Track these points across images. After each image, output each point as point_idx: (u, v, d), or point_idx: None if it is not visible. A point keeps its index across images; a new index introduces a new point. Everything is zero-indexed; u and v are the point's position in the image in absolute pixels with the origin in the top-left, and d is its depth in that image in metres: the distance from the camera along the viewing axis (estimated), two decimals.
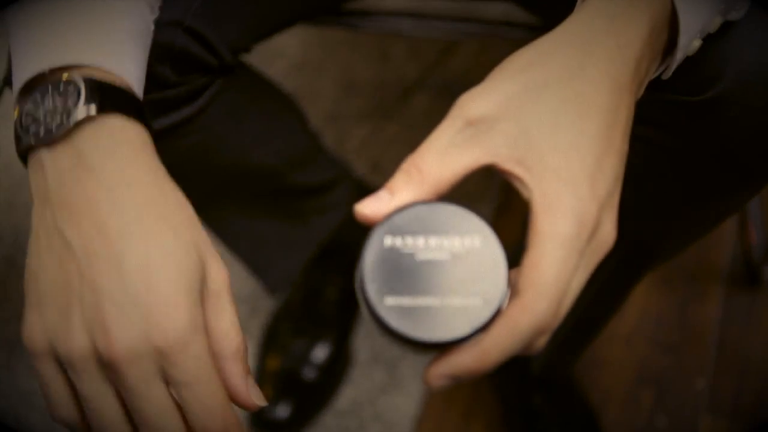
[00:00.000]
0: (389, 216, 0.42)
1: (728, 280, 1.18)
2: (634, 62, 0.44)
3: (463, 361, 0.41)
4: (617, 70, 0.44)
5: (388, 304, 0.41)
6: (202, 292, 0.44)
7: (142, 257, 0.42)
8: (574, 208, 0.40)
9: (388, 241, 0.41)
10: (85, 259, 0.43)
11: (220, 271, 0.46)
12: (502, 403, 1.10)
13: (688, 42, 0.49)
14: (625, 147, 0.44)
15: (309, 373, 1.11)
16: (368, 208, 0.43)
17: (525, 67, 0.43)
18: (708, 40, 0.52)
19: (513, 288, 0.41)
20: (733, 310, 1.16)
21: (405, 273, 0.41)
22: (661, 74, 0.51)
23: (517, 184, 0.42)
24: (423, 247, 0.41)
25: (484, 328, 0.41)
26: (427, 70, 1.31)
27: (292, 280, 1.10)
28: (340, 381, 1.13)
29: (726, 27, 0.54)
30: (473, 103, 0.43)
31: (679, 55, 0.49)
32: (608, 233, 0.42)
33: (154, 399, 0.42)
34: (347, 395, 1.13)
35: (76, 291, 0.43)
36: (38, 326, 0.45)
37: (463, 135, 0.42)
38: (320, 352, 1.12)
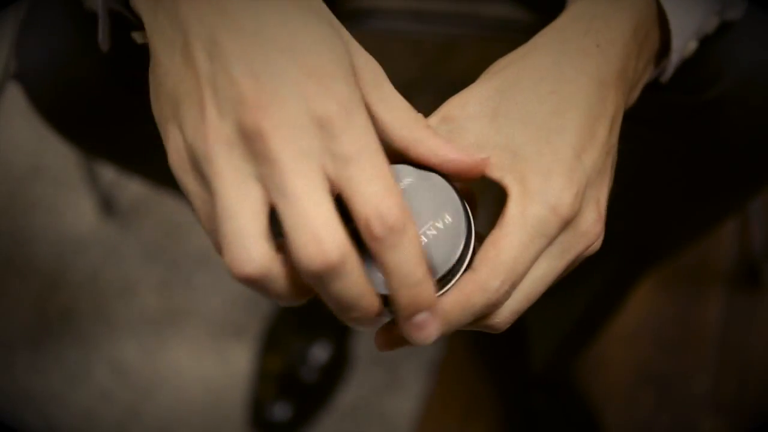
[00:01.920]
0: None
1: (729, 280, 1.17)
2: (618, 60, 0.44)
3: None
4: (597, 68, 0.44)
5: None
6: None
7: (279, 26, 0.37)
8: (545, 195, 0.41)
9: None
10: (210, 40, 0.38)
11: (369, 60, 0.41)
12: (502, 403, 1.10)
13: (683, 44, 0.49)
14: (612, 141, 0.44)
15: (309, 374, 1.11)
16: None
17: (500, 69, 0.45)
18: (707, 40, 0.52)
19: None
20: (733, 310, 1.16)
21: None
22: (659, 77, 0.51)
23: (499, 182, 0.43)
24: None
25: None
26: (427, 70, 1.31)
27: None
28: (340, 381, 1.13)
29: (725, 27, 0.54)
30: (451, 103, 0.44)
31: (675, 58, 0.49)
32: (590, 224, 0.42)
33: (309, 185, 0.36)
34: (347, 395, 1.13)
35: (206, 76, 0.38)
36: (179, 139, 0.39)
37: (438, 132, 0.43)
38: (320, 353, 1.12)
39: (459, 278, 0.41)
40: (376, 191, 0.36)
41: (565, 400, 1.08)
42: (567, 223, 0.41)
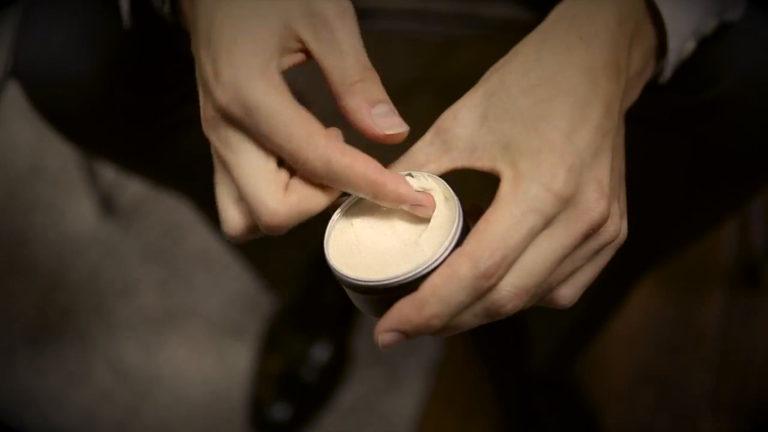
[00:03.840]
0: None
1: (729, 280, 1.17)
2: (604, 50, 0.45)
3: (402, 310, 0.41)
4: (582, 58, 0.44)
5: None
6: (290, 46, 0.44)
7: (226, 35, 0.43)
8: (536, 173, 0.41)
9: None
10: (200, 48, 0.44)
11: (331, 6, 0.44)
12: (503, 403, 1.10)
13: (681, 44, 0.49)
14: (608, 125, 0.44)
15: (309, 374, 1.11)
16: None
17: (486, 78, 0.46)
18: (707, 41, 0.52)
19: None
20: (734, 310, 1.16)
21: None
22: (658, 77, 0.51)
23: (492, 172, 0.43)
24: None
25: (424, 276, 0.41)
26: (427, 70, 1.31)
27: (292, 279, 1.10)
28: (340, 381, 1.13)
29: (724, 28, 0.54)
30: (443, 117, 0.45)
31: (672, 58, 0.49)
32: (591, 203, 0.42)
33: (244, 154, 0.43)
34: (347, 395, 1.13)
35: (200, 78, 0.45)
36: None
37: (433, 146, 0.45)
38: (320, 353, 1.12)
39: (448, 256, 0.41)
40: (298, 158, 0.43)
41: (565, 400, 1.08)
42: (565, 201, 0.41)
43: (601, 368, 1.12)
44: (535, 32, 0.46)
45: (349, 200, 0.45)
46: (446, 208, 0.43)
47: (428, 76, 1.21)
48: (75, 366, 1.17)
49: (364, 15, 0.87)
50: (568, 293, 0.45)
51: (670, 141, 0.62)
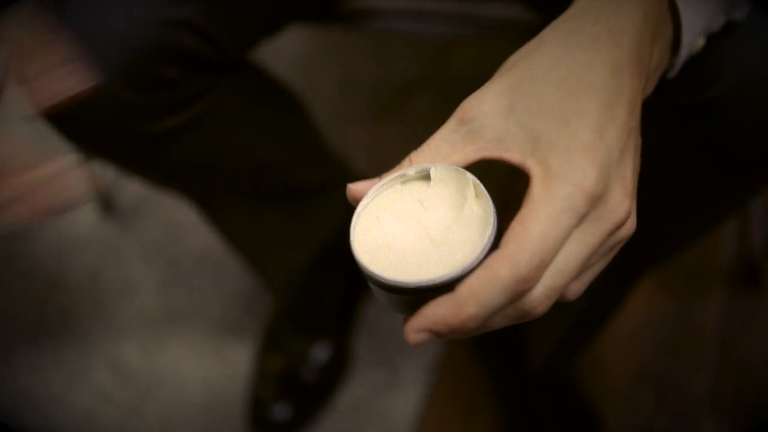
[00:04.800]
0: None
1: (729, 280, 1.17)
2: (630, 44, 0.45)
3: (438, 310, 0.40)
4: (609, 52, 0.44)
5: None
6: None
7: None
8: (568, 172, 0.41)
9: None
10: None
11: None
12: (503, 403, 1.10)
13: (693, 40, 0.49)
14: (632, 123, 0.44)
15: (309, 374, 1.11)
16: (358, 186, 0.45)
17: (512, 66, 0.45)
18: (712, 40, 0.52)
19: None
20: (733, 310, 1.16)
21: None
22: (666, 73, 0.51)
23: (523, 170, 0.43)
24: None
25: (460, 278, 0.41)
26: (427, 70, 1.31)
27: (292, 279, 1.10)
28: (340, 381, 1.13)
29: (729, 27, 0.54)
30: (467, 104, 0.44)
31: (684, 53, 0.49)
32: (617, 203, 0.42)
33: None
34: (347, 395, 1.13)
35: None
36: None
37: (457, 134, 0.44)
38: (320, 353, 1.12)
39: (485, 258, 0.41)
40: None
41: (565, 400, 1.08)
42: (595, 200, 0.41)
43: (601, 368, 1.12)
44: (561, 21, 0.46)
45: (371, 192, 0.45)
46: (476, 205, 0.43)
47: (428, 76, 1.21)
48: (75, 366, 1.17)
49: (364, 15, 0.87)
50: (576, 288, 0.45)
51: (669, 140, 0.62)
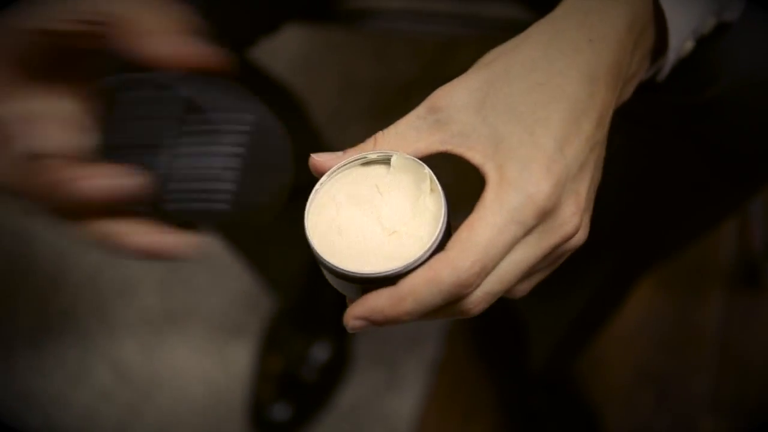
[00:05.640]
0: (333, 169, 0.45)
1: (729, 280, 1.17)
2: (610, 55, 0.44)
3: (378, 301, 0.42)
4: (587, 62, 0.44)
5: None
6: None
7: None
8: (522, 183, 0.41)
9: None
10: None
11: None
12: (502, 403, 1.10)
13: (680, 43, 0.49)
14: (598, 137, 0.44)
15: (309, 374, 1.11)
16: (321, 157, 0.45)
17: (490, 62, 0.45)
18: (705, 42, 0.52)
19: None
20: (733, 310, 1.16)
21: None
22: (656, 76, 0.51)
23: (479, 170, 0.43)
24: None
25: (404, 274, 0.41)
26: (427, 69, 1.31)
27: (292, 279, 1.10)
28: (340, 381, 1.13)
29: (722, 28, 0.54)
30: (439, 93, 0.44)
31: (672, 56, 0.49)
32: (567, 217, 0.42)
33: None
34: (347, 396, 1.13)
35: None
36: None
37: (425, 121, 0.44)
38: (320, 353, 1.12)
39: (430, 257, 0.41)
40: None
41: (565, 400, 1.08)
42: (545, 214, 0.41)
43: (601, 368, 1.12)
44: (546, 22, 0.46)
45: (331, 170, 0.45)
46: (431, 200, 0.43)
47: (428, 76, 1.21)
48: (75, 366, 1.17)
49: (364, 15, 0.87)
50: (522, 288, 0.45)
51: (669, 141, 0.62)
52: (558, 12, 0.46)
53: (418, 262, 0.41)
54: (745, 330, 1.14)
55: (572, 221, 0.43)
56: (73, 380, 1.16)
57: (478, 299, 0.42)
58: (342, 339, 1.14)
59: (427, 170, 0.43)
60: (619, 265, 0.83)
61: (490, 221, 0.41)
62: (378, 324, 0.42)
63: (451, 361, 1.14)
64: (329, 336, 1.13)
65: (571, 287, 0.88)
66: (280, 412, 1.09)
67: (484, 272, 0.41)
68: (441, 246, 0.42)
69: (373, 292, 0.42)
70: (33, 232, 1.28)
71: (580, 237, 0.44)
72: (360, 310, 0.42)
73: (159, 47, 0.43)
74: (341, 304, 1.16)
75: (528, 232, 0.42)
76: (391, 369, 1.14)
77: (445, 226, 0.42)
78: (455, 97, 0.44)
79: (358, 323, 0.42)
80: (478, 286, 0.41)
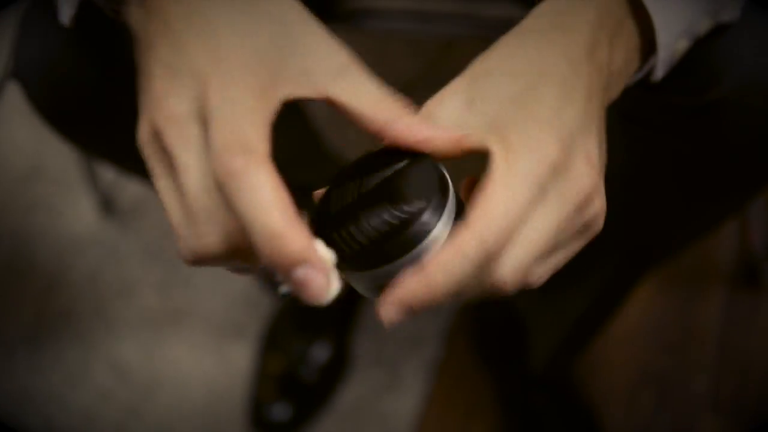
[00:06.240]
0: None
1: (729, 280, 1.17)
2: (585, 41, 0.45)
3: (409, 284, 0.40)
4: (563, 49, 0.44)
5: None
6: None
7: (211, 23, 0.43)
8: (528, 146, 0.41)
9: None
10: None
11: (333, 51, 0.47)
12: (503, 403, 1.10)
13: (671, 41, 0.48)
14: (592, 111, 0.44)
15: (309, 374, 1.11)
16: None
17: (471, 66, 0.46)
18: (705, 42, 0.52)
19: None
20: (733, 309, 1.16)
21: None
22: (650, 75, 0.51)
23: (478, 146, 0.43)
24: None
25: (422, 253, 0.41)
26: (427, 69, 1.31)
27: None
28: (339, 381, 1.13)
29: (722, 30, 0.53)
30: (429, 103, 0.45)
31: (663, 54, 0.48)
32: (581, 173, 0.42)
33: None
34: (347, 396, 1.13)
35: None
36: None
37: None
38: (320, 353, 1.12)
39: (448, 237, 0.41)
40: (222, 144, 0.41)
41: (565, 400, 1.08)
42: (558, 169, 0.41)
43: (601, 368, 1.12)
44: (518, 26, 0.47)
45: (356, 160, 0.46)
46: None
47: (428, 76, 1.21)
48: (75, 366, 1.17)
49: (364, 15, 0.87)
50: (541, 271, 0.44)
51: (670, 141, 0.62)
52: (527, 19, 0.47)
53: (437, 237, 0.41)
54: (745, 330, 1.14)
55: (587, 175, 0.42)
56: (73, 380, 1.16)
57: (511, 270, 0.41)
58: (342, 339, 1.14)
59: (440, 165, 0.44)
60: (620, 266, 0.83)
61: (505, 185, 0.40)
62: (415, 310, 0.41)
63: (451, 361, 1.14)
64: (329, 336, 1.13)
65: (572, 287, 0.88)
66: (280, 412, 1.09)
67: (508, 236, 0.40)
68: (457, 219, 0.42)
69: (400, 279, 0.41)
70: (33, 232, 1.28)
71: (600, 205, 0.43)
72: (393, 296, 0.41)
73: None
74: (341, 304, 1.16)
75: (545, 192, 0.41)
76: (391, 369, 1.14)
77: (455, 201, 0.42)
78: (444, 103, 0.45)
79: (393, 312, 0.41)
80: (504, 253, 0.41)
